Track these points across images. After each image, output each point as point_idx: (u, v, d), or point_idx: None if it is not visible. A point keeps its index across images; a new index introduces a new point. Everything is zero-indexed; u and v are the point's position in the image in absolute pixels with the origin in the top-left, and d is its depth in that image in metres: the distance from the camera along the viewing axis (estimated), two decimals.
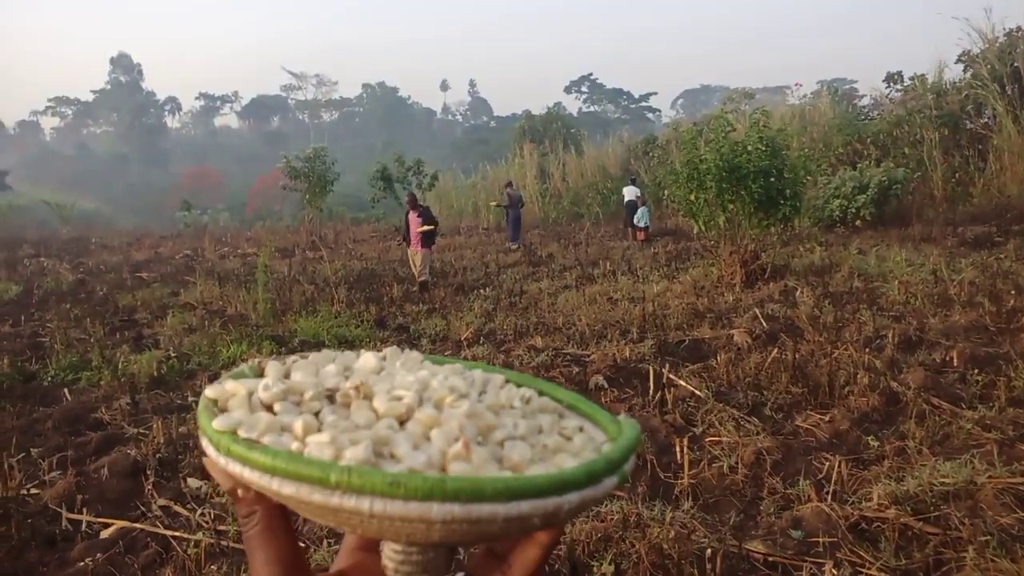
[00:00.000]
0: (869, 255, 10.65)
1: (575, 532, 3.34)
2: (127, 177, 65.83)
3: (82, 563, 3.55)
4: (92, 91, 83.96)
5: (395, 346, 0.71)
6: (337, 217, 28.78)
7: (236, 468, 0.47)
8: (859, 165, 15.12)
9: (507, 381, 0.67)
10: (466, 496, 0.44)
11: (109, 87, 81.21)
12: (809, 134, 18.78)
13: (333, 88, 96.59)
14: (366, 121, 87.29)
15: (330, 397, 0.56)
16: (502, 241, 17.01)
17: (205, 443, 0.50)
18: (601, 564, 3.08)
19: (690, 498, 3.79)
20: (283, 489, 0.45)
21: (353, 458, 0.46)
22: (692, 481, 3.94)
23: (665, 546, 3.06)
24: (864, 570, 2.97)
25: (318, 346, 7.51)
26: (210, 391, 0.55)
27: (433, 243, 11.16)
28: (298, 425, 0.49)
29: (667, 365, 5.80)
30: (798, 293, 8.52)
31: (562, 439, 0.58)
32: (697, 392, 5.26)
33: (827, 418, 4.65)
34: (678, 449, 4.13)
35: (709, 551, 3.02)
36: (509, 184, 17.76)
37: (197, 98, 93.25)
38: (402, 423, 0.53)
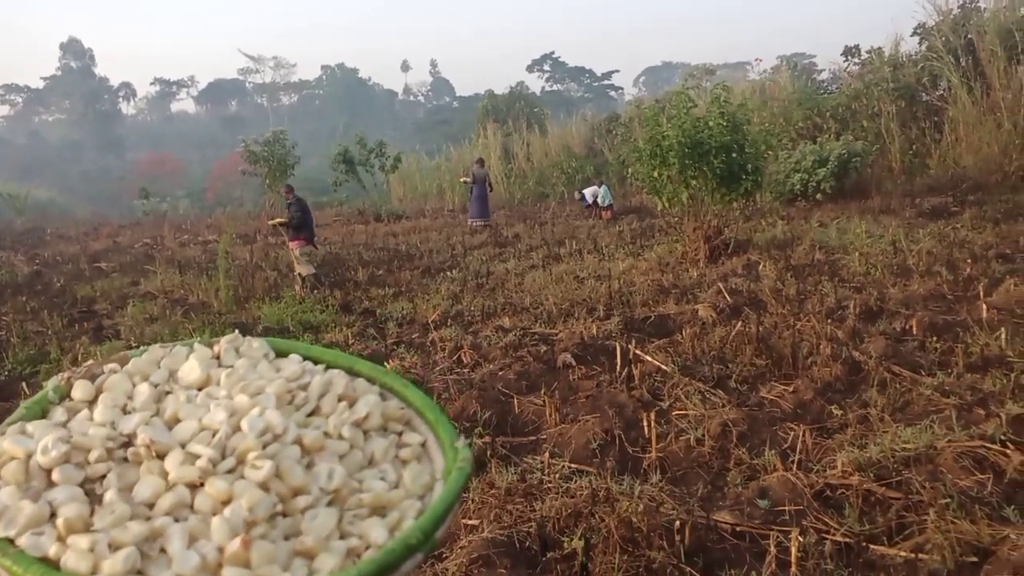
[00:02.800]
0: (830, 228, 10.80)
1: (545, 509, 3.35)
2: (82, 165, 64.29)
3: None
4: (42, 78, 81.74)
5: (235, 333, 0.68)
6: None
7: None
8: (819, 139, 15.28)
9: (354, 377, 0.64)
10: None
11: (60, 73, 79.10)
12: (770, 109, 18.91)
13: (292, 71, 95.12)
14: (326, 103, 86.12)
15: (124, 448, 0.52)
16: (467, 222, 16.93)
17: None
18: (571, 540, 3.10)
19: (658, 471, 3.82)
20: None
21: (111, 571, 0.43)
22: (660, 455, 3.97)
23: (634, 519, 3.08)
24: (829, 536, 3.03)
25: (282, 332, 7.45)
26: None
27: (304, 237, 9.99)
28: (60, 521, 0.46)
29: (633, 341, 5.84)
30: (761, 267, 8.62)
31: (392, 471, 0.56)
32: (663, 367, 5.30)
33: (791, 389, 4.72)
34: (645, 424, 4.16)
35: (678, 523, 3.05)
36: (479, 161, 17.64)
37: (152, 83, 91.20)
38: (193, 487, 0.51)
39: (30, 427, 0.53)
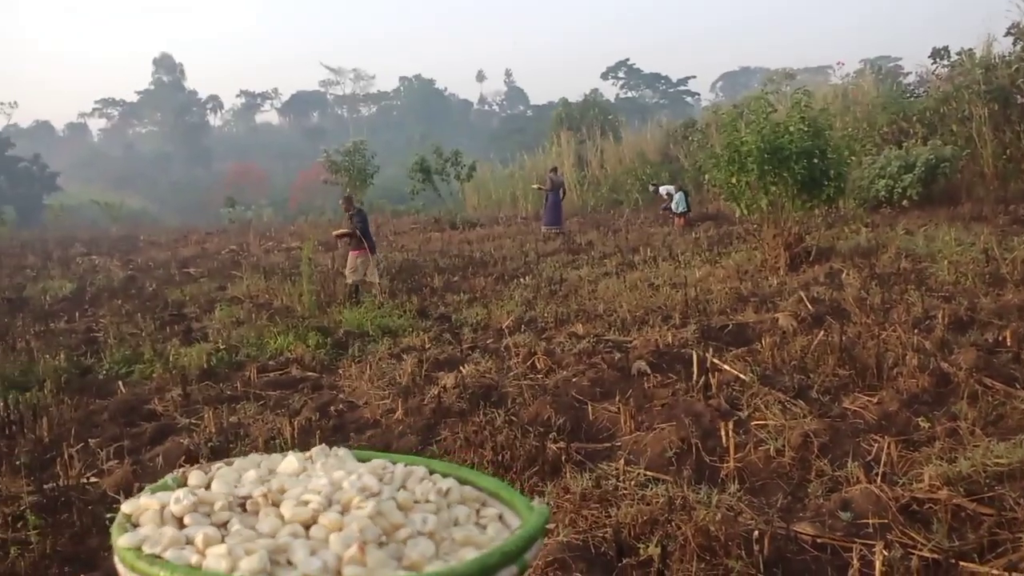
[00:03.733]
0: (917, 235, 10.42)
1: (620, 515, 3.35)
2: (172, 175, 67.15)
3: None
4: (136, 92, 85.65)
5: (323, 446, 0.73)
6: (377, 210, 28.97)
7: None
8: (905, 144, 14.77)
9: (432, 472, 0.69)
10: None
11: (153, 87, 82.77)
12: (853, 113, 18.37)
13: (371, 82, 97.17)
14: (404, 114, 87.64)
15: (242, 505, 0.58)
16: (540, 229, 16.99)
17: (116, 559, 0.52)
18: (647, 546, 3.09)
19: (736, 481, 3.77)
20: None
21: (247, 569, 0.48)
22: (738, 464, 3.92)
23: (712, 528, 3.06)
24: (916, 552, 2.94)
25: (363, 336, 7.63)
26: (126, 506, 0.57)
27: (363, 247, 10.06)
28: (199, 538, 0.52)
29: (711, 350, 5.76)
30: (844, 275, 8.38)
31: (476, 529, 0.60)
32: (742, 376, 5.22)
33: (875, 400, 4.59)
34: (723, 433, 4.11)
35: (756, 532, 3.01)
36: (554, 169, 17.75)
37: (238, 96, 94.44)
38: (307, 527, 0.55)
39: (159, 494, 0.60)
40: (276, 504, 0.58)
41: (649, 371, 5.60)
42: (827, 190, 9.70)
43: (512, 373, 5.88)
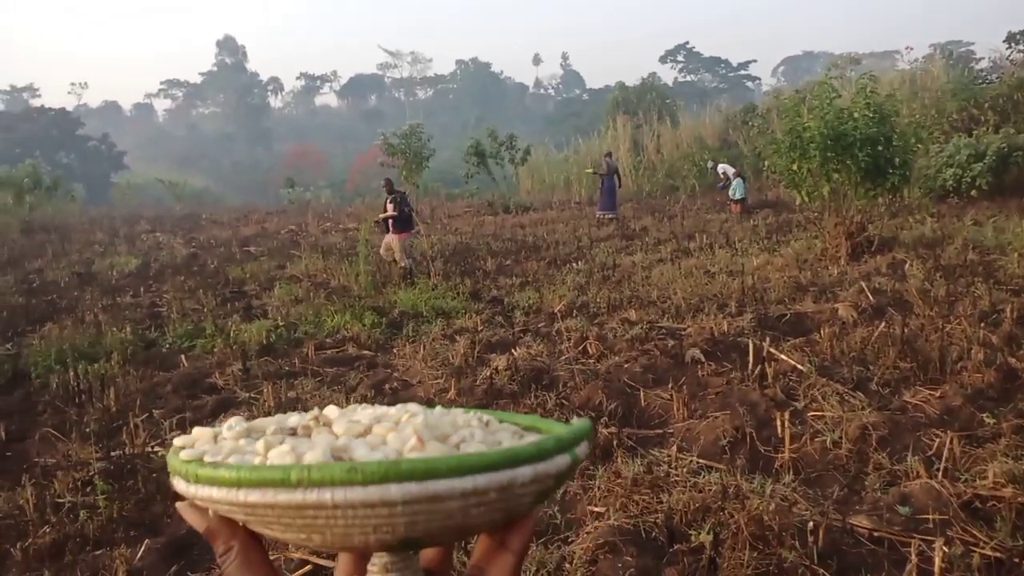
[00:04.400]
0: (985, 226, 10.07)
1: (672, 501, 3.34)
2: (233, 156, 68.64)
3: None
4: (200, 73, 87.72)
5: (357, 403, 0.72)
6: (432, 193, 29.20)
7: (205, 491, 0.48)
8: (975, 132, 14.25)
9: (466, 412, 0.67)
10: (421, 474, 0.45)
11: (216, 69, 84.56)
12: (920, 100, 17.78)
13: (428, 65, 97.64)
14: (460, 97, 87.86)
15: (292, 432, 0.57)
16: (594, 214, 16.90)
17: (175, 481, 0.51)
18: (699, 533, 3.08)
19: (791, 472, 3.73)
20: (249, 497, 0.46)
21: (312, 459, 0.47)
22: (793, 455, 3.87)
23: (765, 517, 3.03)
24: (977, 549, 2.86)
25: (417, 317, 7.72)
26: (179, 440, 0.56)
27: (410, 229, 10.69)
28: (260, 445, 0.51)
29: (767, 339, 5.67)
30: (907, 266, 8.16)
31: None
32: (799, 366, 5.13)
33: (938, 394, 4.47)
34: (779, 423, 4.05)
35: (811, 524, 2.97)
36: (608, 154, 17.60)
37: (298, 78, 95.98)
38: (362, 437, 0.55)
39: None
40: (327, 425, 0.57)
41: (703, 359, 5.55)
42: (892, 178, 9.41)
43: (563, 357, 5.88)
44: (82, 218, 25.94)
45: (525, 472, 0.49)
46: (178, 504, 0.52)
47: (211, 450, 0.52)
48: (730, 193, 15.91)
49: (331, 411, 0.63)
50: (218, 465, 0.49)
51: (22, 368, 6.68)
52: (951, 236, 9.73)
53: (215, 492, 0.48)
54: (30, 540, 3.56)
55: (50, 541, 3.58)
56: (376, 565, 0.55)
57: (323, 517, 0.46)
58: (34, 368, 6.58)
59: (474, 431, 0.58)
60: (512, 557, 0.56)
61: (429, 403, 3.78)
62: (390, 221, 10.38)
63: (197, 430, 0.56)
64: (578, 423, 0.59)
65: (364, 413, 0.61)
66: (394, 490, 0.45)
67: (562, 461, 0.52)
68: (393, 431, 0.54)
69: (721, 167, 17.59)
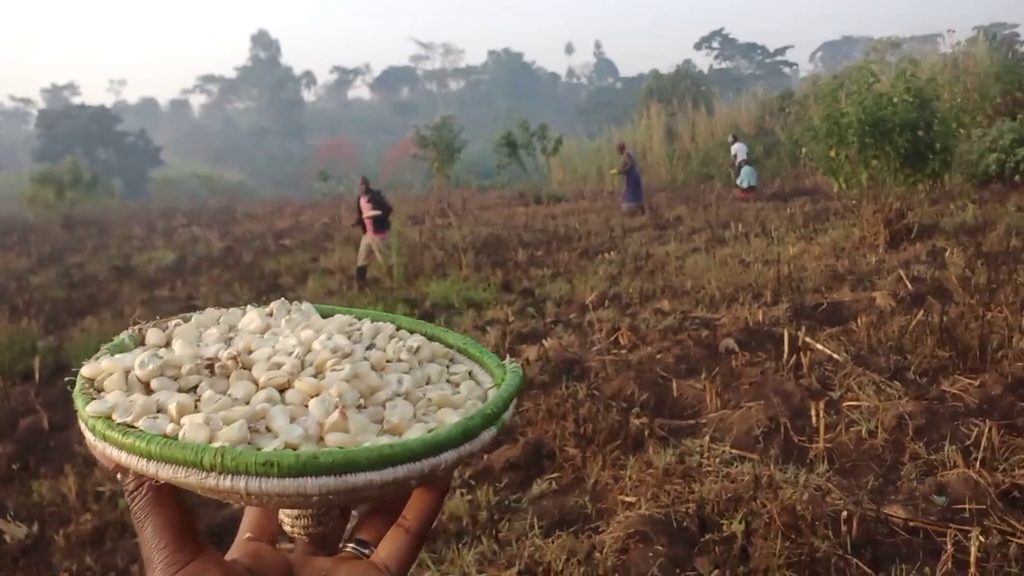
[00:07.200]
0: None
1: (704, 491, 3.33)
2: (267, 149, 69.42)
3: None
4: (235, 68, 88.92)
5: (283, 299, 0.70)
6: (464, 184, 29.26)
7: (113, 452, 0.47)
8: (1020, 116, 13.86)
9: (398, 328, 0.67)
10: (340, 468, 0.44)
11: (250, 64, 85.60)
12: (963, 84, 17.33)
13: (460, 56, 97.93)
14: (491, 88, 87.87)
15: (210, 367, 0.55)
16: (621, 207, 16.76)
17: (82, 426, 0.49)
18: (731, 523, 3.07)
19: (825, 462, 3.69)
20: (160, 472, 0.45)
21: (227, 438, 0.46)
22: (828, 445, 3.83)
23: (798, 507, 3.01)
24: (1015, 539, 2.81)
25: (448, 308, 7.77)
26: (86, 370, 0.54)
27: (387, 229, 10.30)
28: (172, 407, 0.49)
29: (803, 328, 5.60)
30: (947, 254, 7.99)
31: (449, 388, 0.59)
32: (835, 356, 5.07)
33: (977, 383, 4.38)
34: (813, 413, 4.01)
35: (845, 513, 2.95)
36: (622, 146, 17.28)
37: (331, 71, 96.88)
38: (282, 391, 0.53)
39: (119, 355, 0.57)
40: (247, 367, 0.55)
41: (737, 349, 5.50)
42: (932, 164, 9.27)
43: (595, 348, 5.88)
44: (120, 213, 26.49)
45: (448, 457, 0.48)
46: (86, 440, 0.50)
47: (121, 404, 0.49)
48: (738, 181, 15.76)
49: (251, 329, 0.61)
50: (128, 431, 0.47)
51: (63, 360, 6.86)
52: (993, 222, 9.50)
53: (124, 457, 0.47)
54: (72, 527, 3.67)
55: (91, 528, 3.68)
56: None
57: (236, 496, 0.46)
58: (75, 360, 6.73)
59: (402, 378, 0.56)
60: (408, 538, 0.54)
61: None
62: (370, 220, 10.01)
63: (106, 361, 0.54)
64: (510, 373, 0.58)
65: (288, 343, 0.58)
66: (310, 483, 0.44)
67: (486, 436, 0.51)
68: (316, 390, 0.52)
69: (736, 146, 17.19)
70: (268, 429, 0.49)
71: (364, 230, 10.14)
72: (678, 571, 2.87)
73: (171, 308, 8.98)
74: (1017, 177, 12.70)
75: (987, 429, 3.57)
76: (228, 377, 0.54)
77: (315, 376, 0.55)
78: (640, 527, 3.09)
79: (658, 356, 5.49)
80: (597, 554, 3.01)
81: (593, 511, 3.45)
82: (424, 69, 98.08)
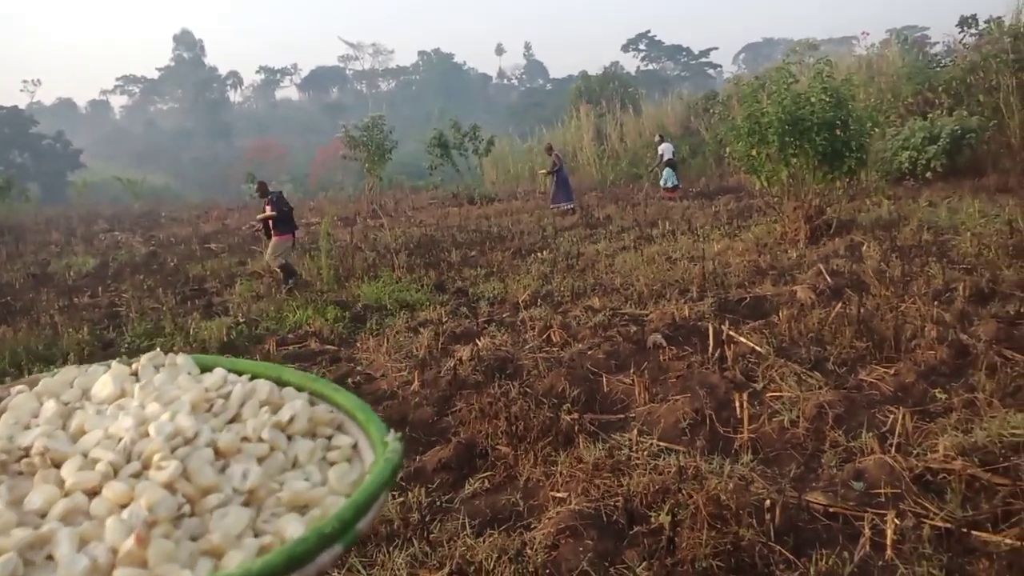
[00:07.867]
0: (940, 207, 10.29)
1: (632, 485, 3.37)
2: (193, 152, 67.57)
3: None
4: (157, 68, 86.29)
5: (157, 351, 0.64)
6: (396, 185, 29.02)
7: None
8: (930, 115, 14.51)
9: (282, 387, 0.61)
10: None
11: (173, 64, 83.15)
12: (877, 84, 18.05)
13: (390, 57, 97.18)
14: (423, 89, 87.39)
15: (22, 458, 0.50)
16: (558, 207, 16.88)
17: None
18: (658, 515, 3.11)
19: (749, 452, 3.78)
20: None
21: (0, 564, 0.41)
22: (752, 435, 3.92)
23: (723, 497, 3.06)
24: (928, 521, 2.93)
25: (381, 310, 7.68)
26: None
27: (291, 230, 9.85)
28: None
29: (727, 323, 5.74)
30: (864, 248, 8.30)
31: (318, 472, 0.53)
32: (758, 348, 5.20)
33: (892, 372, 4.56)
34: (737, 404, 4.10)
35: (768, 502, 3.02)
36: (549, 147, 17.35)
37: (258, 72, 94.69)
38: (92, 495, 0.47)
39: None
40: (57, 464, 0.48)
41: (665, 344, 5.59)
42: (848, 162, 9.57)
43: (528, 346, 5.89)
44: (37, 218, 25.36)
45: None
46: None
47: None
48: (661, 182, 16.34)
49: (103, 397, 0.54)
50: None
51: None
52: (907, 218, 9.92)
53: None
54: None
55: None
56: None
57: None
58: None
59: (248, 471, 0.49)
60: None
61: (392, 395, 3.72)
62: (270, 223, 9.60)
63: None
64: (383, 463, 0.50)
65: (122, 426, 0.52)
66: None
67: (322, 560, 0.44)
68: (127, 499, 0.46)
69: (662, 146, 17.54)
70: (50, 558, 0.43)
71: (268, 235, 9.69)
72: (607, 565, 2.90)
73: (92, 315, 8.65)
74: (928, 174, 13.29)
75: (901, 416, 3.72)
76: (34, 475, 0.48)
77: (139, 474, 0.48)
78: (570, 522, 3.11)
79: (589, 352, 5.54)
80: (528, 551, 3.01)
81: (525, 508, 3.45)
82: (353, 69, 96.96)
